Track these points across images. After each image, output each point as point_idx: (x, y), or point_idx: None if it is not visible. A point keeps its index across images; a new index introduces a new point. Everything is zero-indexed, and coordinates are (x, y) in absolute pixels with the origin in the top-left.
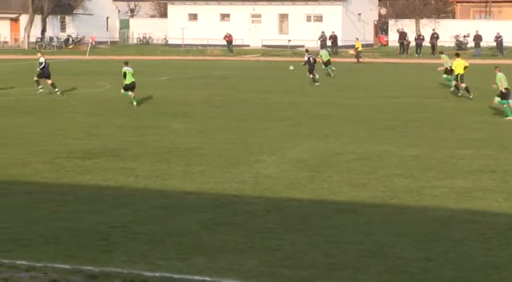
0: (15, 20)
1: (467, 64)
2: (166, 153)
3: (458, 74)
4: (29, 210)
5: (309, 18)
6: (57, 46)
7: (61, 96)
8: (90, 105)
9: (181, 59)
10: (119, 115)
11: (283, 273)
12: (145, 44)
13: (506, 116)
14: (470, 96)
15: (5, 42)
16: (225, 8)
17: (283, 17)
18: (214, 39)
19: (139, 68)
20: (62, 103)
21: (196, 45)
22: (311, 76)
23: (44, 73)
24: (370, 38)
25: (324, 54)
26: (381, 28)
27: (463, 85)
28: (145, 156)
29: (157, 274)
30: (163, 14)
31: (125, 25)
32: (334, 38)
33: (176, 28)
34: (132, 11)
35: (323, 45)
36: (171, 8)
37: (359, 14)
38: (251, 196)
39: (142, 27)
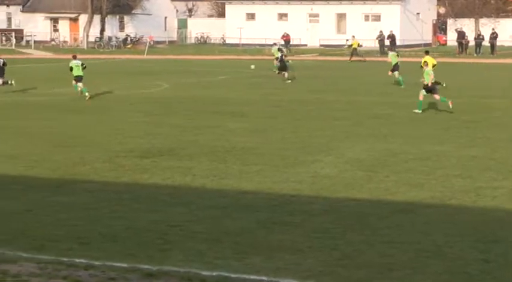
0: (75, 20)
1: (435, 62)
2: (223, 152)
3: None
4: (89, 208)
5: (367, 18)
6: (115, 46)
7: None
8: (148, 104)
9: (239, 58)
10: (176, 114)
11: (341, 273)
12: (203, 44)
13: (416, 109)
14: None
15: (65, 41)
16: (282, 8)
17: (341, 17)
18: (271, 39)
19: (197, 67)
20: (121, 103)
21: (254, 45)
22: (282, 74)
23: None
24: (428, 37)
25: (275, 51)
26: (440, 27)
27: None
28: (202, 155)
29: (214, 273)
30: (221, 14)
31: (183, 25)
32: (392, 38)
33: (234, 28)
34: (190, 10)
35: (381, 44)
36: (228, 8)
37: (417, 14)
38: (308, 196)
39: (200, 26)
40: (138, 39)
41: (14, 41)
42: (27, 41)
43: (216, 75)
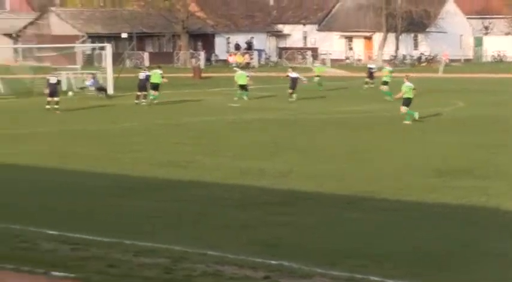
0: (369, 38)
1: None
2: None
3: None
4: (381, 226)
5: None
6: (409, 64)
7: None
8: (443, 122)
9: None
10: (471, 132)
11: None
12: (499, 62)
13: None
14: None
15: (359, 60)
16: None
17: None
18: None
19: (493, 86)
20: (413, 121)
21: None
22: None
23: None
24: None
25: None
26: None
27: None
28: (498, 175)
29: None
30: None
31: (478, 43)
32: None
33: None
34: (486, 28)
35: None
36: None
37: None
38: None
39: (496, 44)
40: (433, 57)
41: (309, 59)
42: (323, 59)
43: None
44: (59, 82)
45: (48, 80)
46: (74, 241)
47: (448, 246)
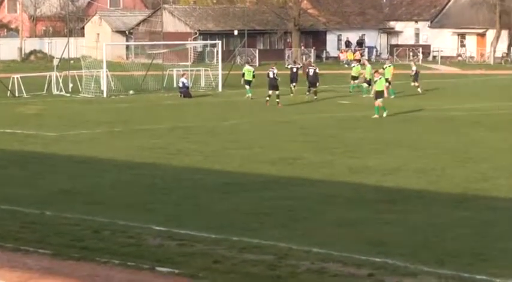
0: (482, 35)
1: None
2: None
3: None
4: (491, 225)
5: None
6: None
7: None
8: None
9: None
10: None
11: None
12: None
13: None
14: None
15: (471, 57)
16: None
17: None
18: None
19: None
20: None
21: None
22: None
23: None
24: None
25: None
26: None
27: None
28: None
29: None
30: None
31: None
32: None
33: None
34: None
35: None
36: None
37: None
38: None
39: None
40: None
41: (420, 56)
42: (434, 57)
43: None
44: (276, 76)
45: (268, 74)
46: (181, 237)
47: None
